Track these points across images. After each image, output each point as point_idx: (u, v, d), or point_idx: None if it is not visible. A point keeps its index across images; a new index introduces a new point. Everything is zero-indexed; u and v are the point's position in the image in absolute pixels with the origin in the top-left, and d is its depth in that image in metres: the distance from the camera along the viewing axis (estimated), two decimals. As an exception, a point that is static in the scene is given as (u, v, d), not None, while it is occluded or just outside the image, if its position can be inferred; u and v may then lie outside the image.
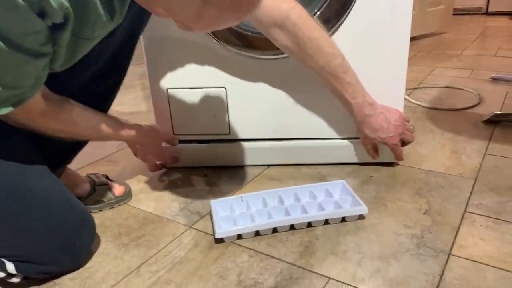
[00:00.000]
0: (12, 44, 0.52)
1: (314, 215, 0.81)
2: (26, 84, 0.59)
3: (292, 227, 0.80)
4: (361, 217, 0.82)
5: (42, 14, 0.52)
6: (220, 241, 0.78)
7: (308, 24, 0.83)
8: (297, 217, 0.80)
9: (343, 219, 0.82)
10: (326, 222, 0.81)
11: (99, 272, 0.72)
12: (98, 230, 0.83)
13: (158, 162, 1.00)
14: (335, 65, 0.85)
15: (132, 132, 0.86)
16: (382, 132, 0.92)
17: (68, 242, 0.71)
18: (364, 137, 0.96)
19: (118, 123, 0.84)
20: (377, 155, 0.99)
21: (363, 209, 0.81)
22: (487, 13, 3.26)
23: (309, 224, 0.81)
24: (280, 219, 0.80)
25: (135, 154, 0.98)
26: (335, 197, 0.87)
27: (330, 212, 0.82)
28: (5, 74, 0.55)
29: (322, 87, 0.91)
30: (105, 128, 0.80)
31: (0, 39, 0.51)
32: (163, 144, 0.99)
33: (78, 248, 0.73)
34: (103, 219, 0.88)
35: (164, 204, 0.92)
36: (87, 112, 0.77)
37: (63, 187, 0.74)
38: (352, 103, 0.89)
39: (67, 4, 0.54)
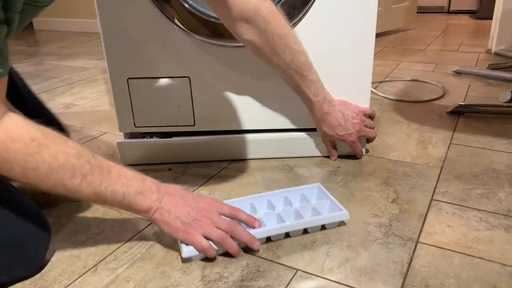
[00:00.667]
0: None
1: (292, 224, 0.71)
2: None
3: (268, 239, 0.71)
4: (341, 223, 0.75)
5: None
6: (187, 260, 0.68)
7: (278, 20, 0.80)
8: (274, 228, 0.70)
9: (323, 227, 0.74)
10: (305, 231, 0.73)
11: (52, 272, 0.67)
12: (53, 228, 0.78)
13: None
14: (300, 62, 0.83)
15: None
16: (340, 130, 0.91)
17: (18, 250, 0.63)
18: (323, 135, 0.95)
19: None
20: (336, 153, 0.99)
21: (344, 214, 0.73)
22: (449, 12, 3.35)
23: (287, 235, 0.72)
24: (256, 231, 0.69)
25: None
26: (312, 202, 0.79)
27: (310, 220, 0.73)
28: None
29: (284, 82, 0.89)
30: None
31: None
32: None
33: (31, 256, 0.65)
34: (58, 215, 0.82)
35: (125, 199, 0.87)
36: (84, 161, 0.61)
37: (11, 186, 0.66)
38: (314, 101, 0.88)
39: None
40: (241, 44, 0.90)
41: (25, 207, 0.67)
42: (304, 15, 0.89)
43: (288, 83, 0.89)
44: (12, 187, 0.67)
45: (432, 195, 0.84)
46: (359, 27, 0.90)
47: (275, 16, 0.80)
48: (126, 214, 0.82)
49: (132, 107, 0.98)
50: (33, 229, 0.65)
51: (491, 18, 2.02)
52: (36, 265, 0.67)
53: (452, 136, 1.10)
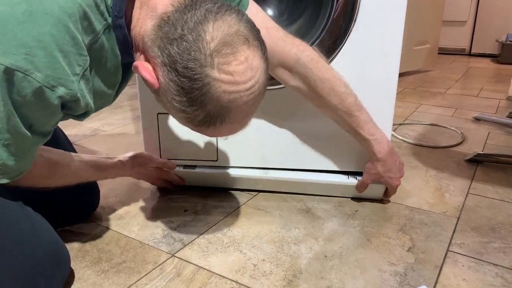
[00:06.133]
0: (31, 130, 0.57)
1: None
2: (30, 159, 0.63)
3: None
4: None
5: (65, 107, 0.58)
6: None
7: (319, 66, 0.83)
8: None
9: None
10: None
11: (76, 299, 0.70)
12: (78, 254, 0.82)
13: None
14: (349, 104, 0.86)
15: (116, 171, 0.92)
16: (392, 173, 0.93)
17: (32, 282, 0.59)
18: (374, 173, 0.94)
19: (98, 168, 0.87)
20: (365, 189, 1.00)
21: None
22: (470, 54, 3.38)
23: None
24: None
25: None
26: None
27: None
28: (18, 151, 0.58)
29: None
30: (86, 175, 0.84)
31: (23, 123, 0.55)
32: None
33: None
34: (83, 242, 0.86)
35: (147, 230, 0.91)
36: (63, 161, 0.78)
37: (30, 212, 0.65)
38: (370, 139, 0.90)
39: (91, 103, 0.60)
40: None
41: (43, 230, 0.66)
42: (334, 58, 0.93)
43: (341, 126, 0.91)
44: (35, 216, 0.67)
45: (448, 246, 0.85)
46: (382, 70, 0.94)
47: (316, 63, 0.83)
48: (147, 245, 0.85)
49: (159, 140, 1.02)
50: (49, 256, 0.64)
51: (512, 64, 2.04)
52: None
53: (470, 186, 1.11)
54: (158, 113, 1.00)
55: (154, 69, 0.59)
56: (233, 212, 0.97)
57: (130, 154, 0.96)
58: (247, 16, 0.59)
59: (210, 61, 0.54)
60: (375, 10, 0.89)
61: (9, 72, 0.50)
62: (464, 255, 0.82)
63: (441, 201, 1.03)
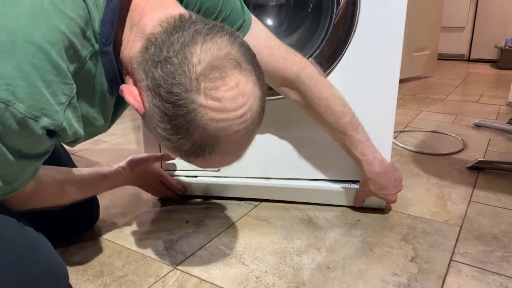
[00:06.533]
0: (20, 154, 0.55)
1: None
2: (24, 178, 0.60)
3: None
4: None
5: (54, 135, 0.56)
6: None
7: (317, 84, 0.84)
8: None
9: None
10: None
11: (78, 314, 0.69)
12: (79, 268, 0.81)
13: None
14: (345, 123, 0.87)
15: (117, 177, 0.90)
16: (387, 189, 0.94)
17: None
18: (368, 191, 0.95)
19: (103, 177, 0.86)
20: (362, 203, 1.01)
21: None
22: (469, 60, 3.39)
23: None
24: None
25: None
26: None
27: None
28: (6, 175, 0.57)
29: (303, 134, 0.92)
30: (92, 188, 0.84)
31: (9, 151, 0.53)
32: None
33: None
34: (85, 256, 0.85)
35: (149, 242, 0.90)
36: (68, 177, 0.77)
37: (28, 227, 0.64)
38: (362, 159, 0.90)
39: (81, 131, 0.58)
40: (268, 98, 0.94)
41: (41, 247, 0.65)
42: (334, 68, 0.93)
43: (336, 141, 0.92)
44: (33, 232, 0.66)
45: (452, 256, 0.84)
46: (382, 83, 0.94)
47: (315, 81, 0.83)
48: (149, 258, 0.84)
49: (160, 150, 1.02)
50: (48, 275, 0.64)
51: (511, 69, 2.04)
52: None
53: (472, 193, 1.10)
54: (159, 124, 1.00)
55: (140, 93, 0.56)
56: (235, 223, 0.97)
57: (127, 158, 0.95)
58: (241, 38, 0.56)
59: (196, 86, 0.51)
60: (375, 20, 0.89)
61: None
62: (467, 264, 0.81)
63: (443, 209, 1.02)
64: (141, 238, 0.92)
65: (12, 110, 0.49)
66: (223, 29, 0.55)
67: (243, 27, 0.74)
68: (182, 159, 0.60)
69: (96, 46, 0.57)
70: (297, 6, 1.03)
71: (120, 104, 0.68)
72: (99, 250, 0.87)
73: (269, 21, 1.06)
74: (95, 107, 0.63)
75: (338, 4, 0.89)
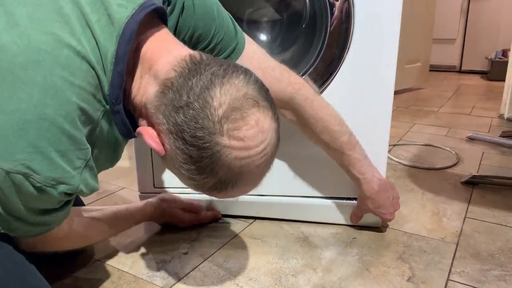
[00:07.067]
0: (45, 211, 0.58)
1: None
2: (58, 221, 0.64)
3: None
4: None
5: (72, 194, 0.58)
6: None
7: (313, 105, 0.83)
8: None
9: None
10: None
11: None
12: (69, 292, 0.79)
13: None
14: (342, 142, 0.86)
15: (144, 212, 0.94)
16: (384, 208, 0.93)
17: None
18: (365, 209, 0.95)
19: (127, 217, 0.90)
20: (359, 221, 1.00)
21: None
22: (460, 71, 3.43)
23: None
24: None
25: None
26: None
27: None
28: (36, 223, 0.60)
29: (299, 152, 0.92)
30: (117, 228, 0.88)
31: (33, 212, 0.57)
32: None
33: None
34: (76, 278, 0.83)
35: (141, 263, 0.88)
36: (96, 217, 0.81)
37: (13, 252, 0.63)
38: (360, 178, 0.90)
39: (96, 185, 0.60)
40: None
41: (26, 274, 0.64)
42: (326, 87, 0.93)
43: (333, 159, 0.91)
44: (19, 256, 0.65)
45: (448, 275, 0.83)
46: (377, 99, 0.94)
47: (310, 102, 0.83)
48: (141, 279, 0.82)
49: (153, 169, 1.01)
50: None
51: (502, 80, 2.06)
52: None
53: (467, 209, 1.10)
54: (151, 142, 0.98)
55: (158, 135, 0.58)
56: (229, 242, 0.95)
57: (159, 196, 0.99)
58: (254, 75, 0.58)
59: (219, 128, 0.52)
60: (369, 37, 0.89)
61: (10, 175, 0.51)
62: (465, 284, 0.80)
63: (439, 226, 1.02)
64: (133, 259, 0.90)
65: (31, 181, 0.52)
66: (237, 68, 0.57)
67: (236, 50, 0.74)
68: (203, 193, 0.61)
69: (107, 106, 0.59)
70: (291, 22, 1.02)
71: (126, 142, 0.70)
72: (90, 272, 0.85)
73: (263, 37, 1.06)
74: (108, 158, 0.65)
75: (332, 21, 0.89)
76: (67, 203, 0.61)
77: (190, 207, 1.01)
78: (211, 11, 0.72)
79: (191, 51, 0.60)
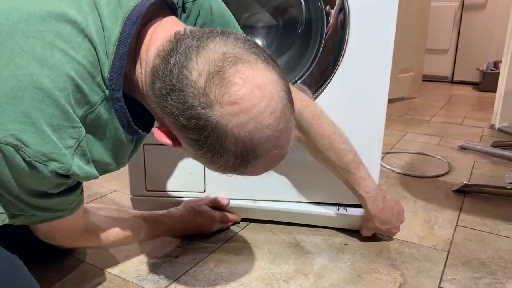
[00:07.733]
0: (41, 194, 0.56)
1: None
2: (65, 209, 0.63)
3: None
4: None
5: (68, 177, 0.56)
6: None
7: (320, 122, 0.84)
8: None
9: None
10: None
11: None
12: (57, 295, 0.78)
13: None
14: (347, 161, 0.86)
15: (172, 218, 0.93)
16: (390, 224, 0.94)
17: None
18: (372, 228, 0.95)
19: (153, 220, 0.89)
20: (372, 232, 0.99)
21: None
22: (452, 81, 3.46)
23: None
24: None
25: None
26: None
27: None
28: (44, 210, 0.60)
29: (294, 157, 0.91)
30: (140, 231, 0.85)
31: (28, 192, 0.55)
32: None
33: None
34: (63, 280, 0.82)
35: (131, 266, 0.87)
36: (118, 217, 0.81)
37: (2, 252, 0.62)
38: (365, 197, 0.90)
39: (94, 172, 0.58)
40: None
41: (16, 272, 0.63)
42: (322, 91, 0.93)
43: (339, 178, 0.91)
44: (6, 254, 0.63)
45: (440, 282, 0.83)
46: (370, 107, 0.94)
47: (317, 119, 0.83)
48: (131, 283, 0.81)
49: (145, 172, 1.00)
50: None
51: (493, 91, 2.09)
52: None
53: (458, 217, 1.11)
54: (144, 144, 0.98)
55: (170, 131, 0.56)
56: (221, 247, 0.95)
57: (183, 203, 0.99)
58: (236, 34, 0.52)
59: (206, 100, 0.48)
60: (364, 44, 0.90)
61: (1, 146, 0.49)
62: (456, 292, 0.81)
63: (430, 233, 1.02)
64: (123, 262, 0.88)
65: (21, 153, 0.50)
66: (213, 32, 0.52)
67: None
68: (237, 175, 0.57)
69: (107, 92, 0.56)
70: (286, 28, 1.03)
71: (139, 142, 0.69)
72: (79, 274, 0.84)
73: (259, 41, 1.06)
74: (108, 152, 0.61)
75: (327, 29, 0.89)
76: (70, 190, 0.59)
77: (215, 202, 0.99)
78: (227, 22, 0.71)
79: (179, 27, 0.56)
